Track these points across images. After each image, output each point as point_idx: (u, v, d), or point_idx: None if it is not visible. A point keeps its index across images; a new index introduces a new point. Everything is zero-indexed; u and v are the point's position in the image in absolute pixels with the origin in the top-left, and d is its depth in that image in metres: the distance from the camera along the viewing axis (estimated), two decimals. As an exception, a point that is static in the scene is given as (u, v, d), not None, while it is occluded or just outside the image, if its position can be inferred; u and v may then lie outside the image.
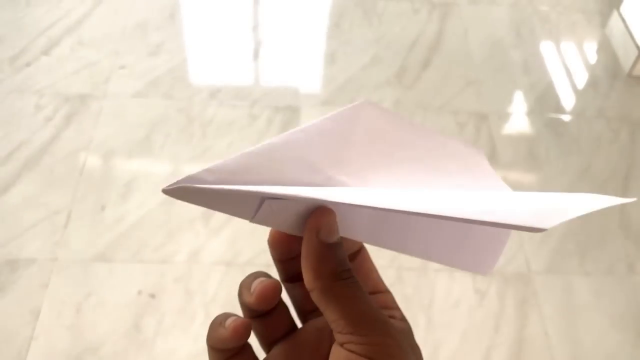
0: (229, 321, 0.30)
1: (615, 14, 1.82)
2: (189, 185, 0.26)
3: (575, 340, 1.23)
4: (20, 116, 1.50)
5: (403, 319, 0.31)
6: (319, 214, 0.28)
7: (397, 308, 0.32)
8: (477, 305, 1.27)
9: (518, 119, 1.62)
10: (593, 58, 1.81)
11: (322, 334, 0.31)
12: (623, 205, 1.45)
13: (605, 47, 1.83)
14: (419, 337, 1.19)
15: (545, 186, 1.48)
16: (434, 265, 1.30)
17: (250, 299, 0.30)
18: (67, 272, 1.24)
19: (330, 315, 0.27)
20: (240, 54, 1.72)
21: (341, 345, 0.27)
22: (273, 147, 0.28)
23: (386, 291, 0.32)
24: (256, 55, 1.72)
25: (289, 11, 1.86)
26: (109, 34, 1.71)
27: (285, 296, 0.33)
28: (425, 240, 0.32)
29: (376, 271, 0.33)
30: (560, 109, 1.65)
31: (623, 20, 1.77)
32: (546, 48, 1.82)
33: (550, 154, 1.54)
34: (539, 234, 1.38)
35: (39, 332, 1.16)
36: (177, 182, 0.26)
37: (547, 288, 1.30)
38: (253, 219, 0.28)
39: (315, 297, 0.27)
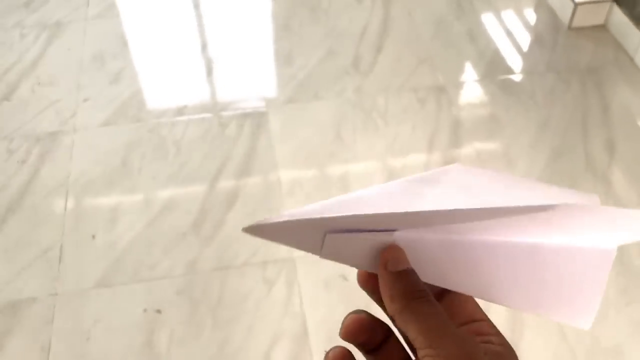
0: (330, 351, 0.33)
1: (546, -26, 1.91)
2: (261, 222, 0.29)
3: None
4: (-6, 163, 1.51)
5: (502, 344, 0.31)
6: (386, 249, 0.31)
7: (495, 334, 0.32)
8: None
9: (474, 86, 1.70)
10: (533, 18, 1.90)
11: None
12: (586, 146, 1.53)
13: (543, 5, 1.92)
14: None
15: (511, 144, 1.55)
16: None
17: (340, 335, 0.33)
18: (70, 304, 1.26)
19: (411, 334, 0.29)
20: (201, 66, 1.75)
21: None
22: (348, 197, 0.30)
23: (482, 320, 0.33)
24: (215, 67, 1.76)
25: (239, 20, 1.90)
26: (66, 70, 1.73)
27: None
28: (505, 285, 0.32)
29: (472, 301, 0.34)
30: (511, 70, 1.73)
31: (554, -21, 1.87)
32: (487, 16, 1.90)
33: (511, 113, 1.62)
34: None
35: (54, 366, 1.17)
36: (257, 221, 0.29)
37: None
38: (321, 253, 0.31)
39: (397, 322, 0.30)
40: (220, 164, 1.51)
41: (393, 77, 1.71)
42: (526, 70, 1.73)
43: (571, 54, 1.77)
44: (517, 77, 1.72)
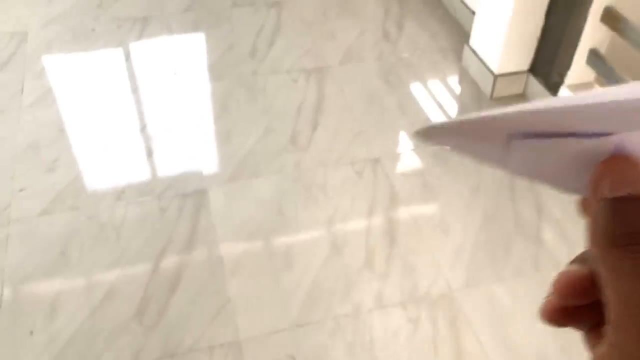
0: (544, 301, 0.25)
1: (466, 48, 2.05)
2: (436, 123, 0.23)
3: (507, 341, 1.34)
4: None
5: None
6: (604, 162, 0.21)
7: None
8: (413, 332, 1.35)
9: (407, 157, 1.77)
10: (457, 89, 2.01)
11: None
12: (515, 209, 1.61)
13: (466, 78, 2.05)
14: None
15: (445, 210, 1.62)
16: (366, 306, 1.38)
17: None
18: (7, 407, 1.20)
19: (605, 294, 0.21)
20: (137, 152, 1.76)
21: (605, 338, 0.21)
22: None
23: None
24: (154, 149, 1.77)
25: (178, 102, 1.94)
26: (0, 160, 1.71)
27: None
28: None
29: None
30: (441, 140, 1.82)
31: (474, 52, 2.00)
32: (415, 89, 2.01)
33: (443, 181, 1.69)
34: (451, 249, 1.50)
35: None
36: (429, 124, 0.23)
37: (471, 301, 1.41)
38: (508, 167, 0.23)
39: (596, 267, 0.22)
40: (161, 248, 1.50)
41: (330, 151, 1.77)
42: (455, 139, 1.82)
43: (495, 122, 1.87)
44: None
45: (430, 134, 0.23)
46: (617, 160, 0.20)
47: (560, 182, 0.23)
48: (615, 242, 0.20)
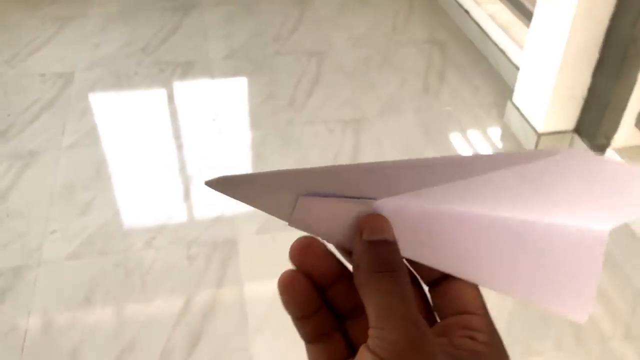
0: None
1: (509, 104, 1.99)
2: (228, 175, 0.27)
3: None
4: (-48, 301, 1.46)
5: (487, 344, 0.29)
6: (366, 216, 0.29)
7: (485, 332, 0.29)
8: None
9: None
10: (498, 146, 1.96)
11: None
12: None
13: (508, 135, 1.99)
14: None
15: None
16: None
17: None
18: None
19: (367, 310, 0.27)
20: (171, 197, 1.76)
21: (368, 339, 0.27)
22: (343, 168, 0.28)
23: (475, 313, 0.30)
24: (187, 196, 1.77)
25: (214, 148, 1.94)
26: (36, 201, 1.73)
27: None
28: (491, 265, 0.30)
29: (473, 292, 0.30)
30: (479, 199, 1.75)
31: (517, 109, 1.95)
32: (454, 144, 1.96)
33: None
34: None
35: None
36: (222, 175, 0.27)
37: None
38: (290, 217, 0.29)
39: (360, 295, 0.28)
40: (186, 299, 1.47)
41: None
42: (494, 199, 1.76)
43: (537, 183, 1.80)
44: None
45: (222, 185, 0.27)
46: (373, 216, 0.29)
47: (329, 232, 0.29)
48: (377, 270, 0.27)
